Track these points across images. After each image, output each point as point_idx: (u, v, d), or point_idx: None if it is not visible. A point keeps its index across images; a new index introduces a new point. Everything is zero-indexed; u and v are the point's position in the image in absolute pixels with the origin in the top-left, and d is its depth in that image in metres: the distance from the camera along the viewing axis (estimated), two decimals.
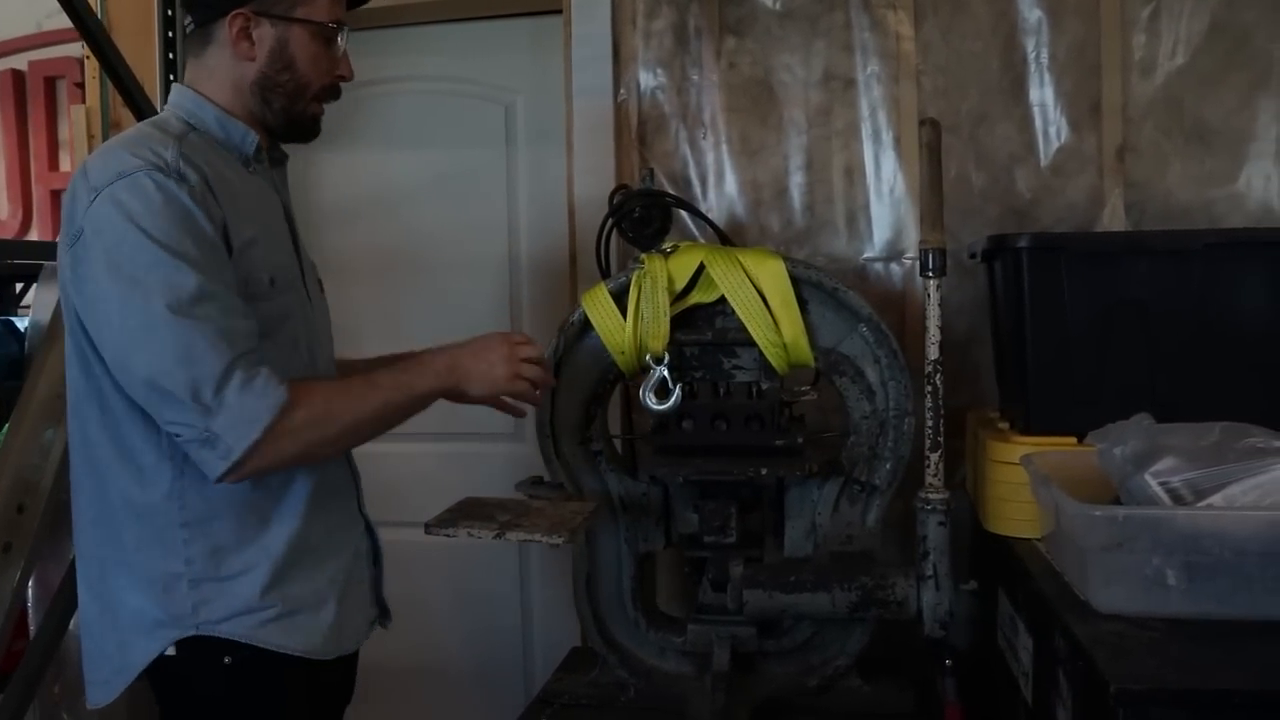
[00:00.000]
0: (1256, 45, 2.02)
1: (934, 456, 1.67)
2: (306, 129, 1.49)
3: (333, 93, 1.50)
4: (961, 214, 2.12)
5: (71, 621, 2.09)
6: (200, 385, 1.24)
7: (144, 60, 2.39)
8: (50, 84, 2.93)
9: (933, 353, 1.65)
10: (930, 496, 1.66)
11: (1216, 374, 1.63)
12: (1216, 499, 1.32)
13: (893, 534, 1.90)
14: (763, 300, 1.77)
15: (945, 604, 1.67)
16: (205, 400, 1.24)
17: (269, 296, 1.38)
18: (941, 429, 1.67)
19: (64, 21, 2.76)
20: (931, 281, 1.65)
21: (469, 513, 1.64)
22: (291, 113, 1.45)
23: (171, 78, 2.39)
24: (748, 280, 1.77)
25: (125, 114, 2.40)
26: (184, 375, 1.23)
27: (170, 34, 2.38)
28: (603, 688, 1.90)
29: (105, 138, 2.54)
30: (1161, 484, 1.37)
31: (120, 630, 1.38)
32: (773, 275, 1.78)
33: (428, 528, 1.59)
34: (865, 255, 2.18)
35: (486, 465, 2.47)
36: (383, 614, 1.62)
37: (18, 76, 2.95)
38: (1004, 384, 1.94)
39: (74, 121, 2.61)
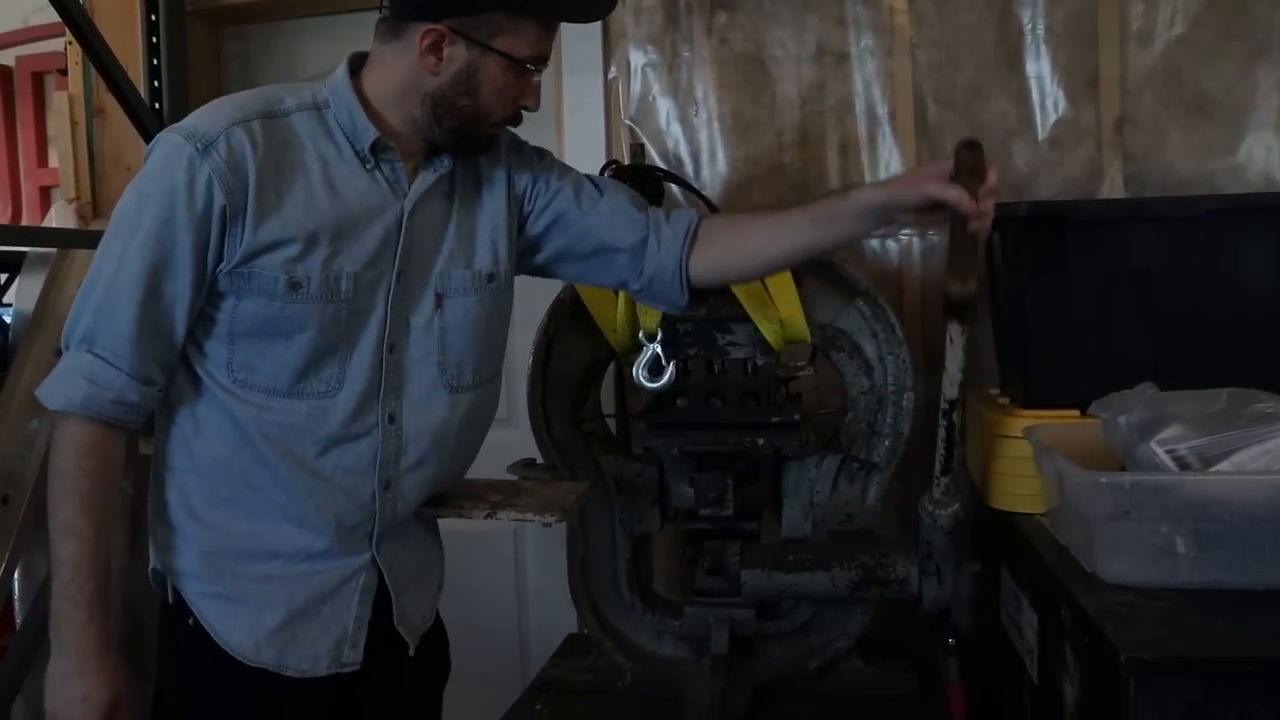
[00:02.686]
0: (1256, 14, 1.98)
1: (945, 480, 1.55)
2: (477, 148, 1.40)
3: (515, 120, 1.40)
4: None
5: None
6: (70, 330, 1.28)
7: (127, 47, 2.35)
8: (38, 79, 2.89)
9: (951, 392, 1.49)
10: (937, 512, 1.57)
11: (1219, 342, 1.60)
12: (1225, 465, 1.29)
13: (891, 515, 1.87)
14: None
15: (947, 589, 1.63)
16: (68, 343, 1.28)
17: (282, 299, 1.27)
18: (955, 458, 1.57)
19: (51, 16, 2.74)
20: (955, 327, 1.42)
21: (459, 493, 1.60)
22: (461, 134, 1.35)
23: (155, 62, 2.35)
24: None
25: (109, 100, 2.36)
26: (74, 307, 1.28)
27: (153, 17, 2.34)
28: (599, 673, 1.87)
29: (89, 125, 2.50)
30: (1168, 452, 1.34)
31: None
32: None
33: (418, 509, 1.55)
34: None
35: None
36: (367, 662, 1.41)
37: (4, 72, 2.91)
38: (1003, 359, 1.90)
39: (57, 109, 2.56)
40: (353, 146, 1.32)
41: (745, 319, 1.75)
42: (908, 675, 1.81)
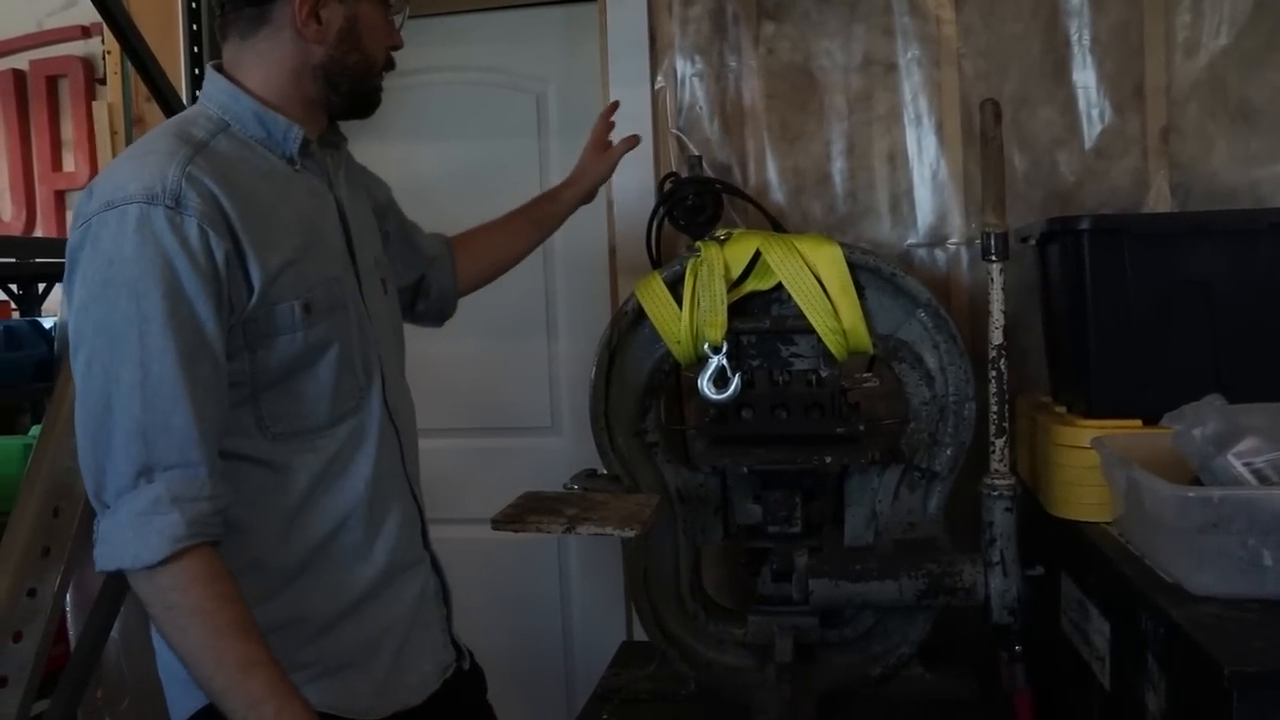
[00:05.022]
0: None
1: (999, 443, 1.66)
2: (371, 104, 1.37)
3: (390, 65, 1.38)
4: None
5: (114, 627, 2.07)
6: (103, 483, 1.10)
7: (168, 52, 2.35)
8: (52, 83, 2.87)
9: (996, 338, 1.65)
10: (997, 483, 1.66)
11: None
12: None
13: (948, 521, 1.89)
14: (820, 286, 1.76)
15: (1013, 590, 1.66)
16: (110, 495, 1.11)
17: (302, 327, 1.21)
18: (1007, 415, 1.66)
19: (65, 19, 2.73)
20: (994, 265, 1.65)
21: (533, 508, 1.62)
22: (357, 93, 1.33)
23: (197, 71, 2.35)
24: (805, 267, 1.76)
25: (149, 108, 2.36)
26: (91, 461, 1.10)
27: (195, 26, 2.34)
28: (661, 681, 1.89)
29: (128, 134, 2.50)
30: (1245, 464, 1.36)
31: (164, 677, 1.26)
32: (830, 261, 1.77)
33: (494, 524, 1.57)
34: (909, 241, 2.16)
35: (521, 459, 2.44)
36: (460, 656, 1.46)
37: (19, 76, 2.90)
38: (1057, 368, 1.93)
39: (96, 118, 2.56)
40: (274, 153, 1.27)
41: (808, 331, 1.77)
42: (968, 681, 1.84)
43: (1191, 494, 1.27)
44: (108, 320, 1.10)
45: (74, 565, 2.13)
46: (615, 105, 1.91)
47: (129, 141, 2.50)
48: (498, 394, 2.49)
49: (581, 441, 2.34)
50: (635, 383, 1.88)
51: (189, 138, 1.20)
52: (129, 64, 2.20)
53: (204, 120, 1.25)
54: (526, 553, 2.46)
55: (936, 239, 2.16)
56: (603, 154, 1.85)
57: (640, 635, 2.28)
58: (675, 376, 1.95)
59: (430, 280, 1.69)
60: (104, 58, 2.53)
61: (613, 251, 2.28)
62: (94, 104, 2.67)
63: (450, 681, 1.42)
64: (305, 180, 1.31)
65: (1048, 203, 2.10)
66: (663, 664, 1.90)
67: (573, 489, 1.83)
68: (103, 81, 2.57)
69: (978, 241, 2.11)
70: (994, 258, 1.64)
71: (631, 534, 1.52)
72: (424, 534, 1.41)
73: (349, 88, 1.32)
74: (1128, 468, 1.43)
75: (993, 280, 1.65)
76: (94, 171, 2.60)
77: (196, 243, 1.12)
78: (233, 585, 1.10)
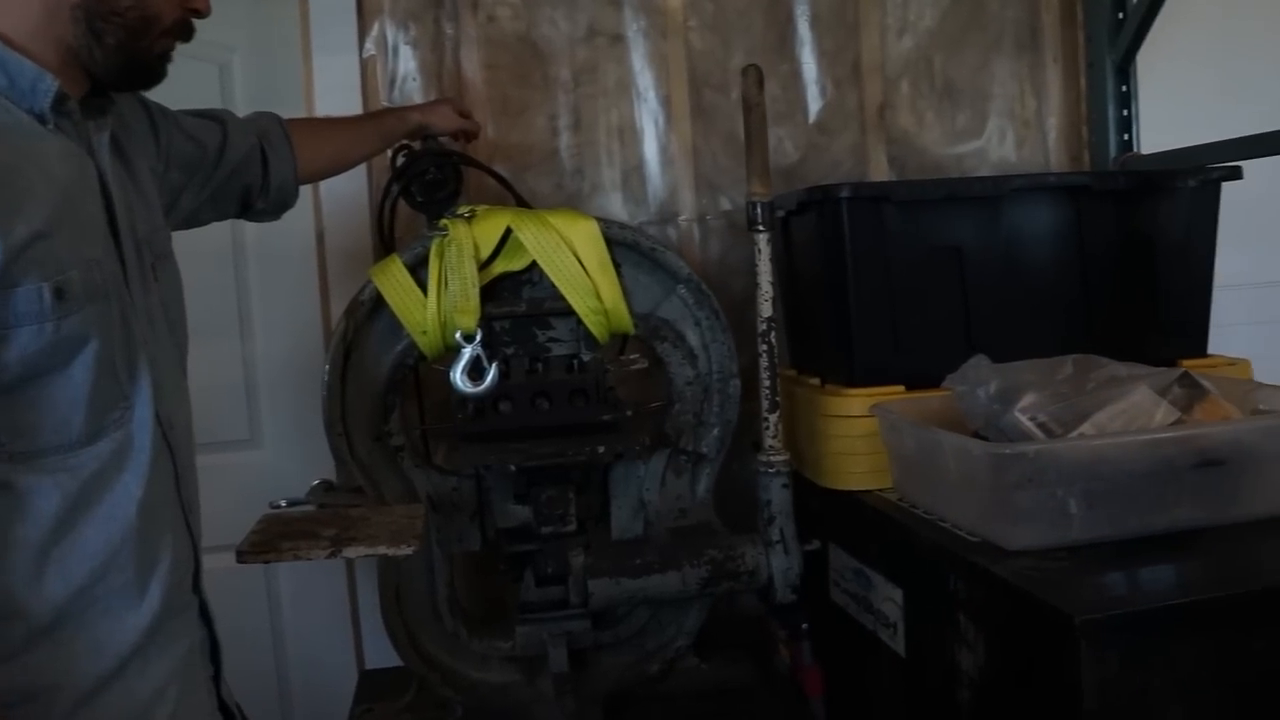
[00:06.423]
0: (991, 10, 2.14)
1: (773, 418, 1.62)
2: (150, 72, 1.10)
3: (185, 31, 1.11)
4: (731, 174, 2.09)
5: None
6: None
7: None
8: None
9: (766, 310, 1.61)
10: (773, 459, 1.61)
11: (1020, 313, 1.69)
12: (1085, 428, 1.35)
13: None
14: (580, 265, 1.64)
15: (795, 568, 1.62)
16: None
17: (52, 316, 0.96)
18: (778, 388, 1.62)
19: None
20: (762, 235, 1.60)
21: (283, 532, 1.38)
22: (129, 53, 1.06)
23: None
24: (563, 244, 1.63)
25: None
26: None
27: None
28: (424, 711, 1.70)
29: None
30: (1031, 419, 1.39)
31: None
32: (587, 237, 1.65)
33: (240, 555, 1.31)
34: (641, 219, 2.09)
35: (216, 479, 2.07)
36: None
37: None
38: (803, 341, 1.92)
39: None
40: (21, 107, 1.01)
41: (566, 313, 1.65)
42: (744, 666, 1.79)
43: (1008, 451, 1.27)
44: None
45: None
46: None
47: None
48: None
49: (286, 455, 2.09)
50: (375, 381, 1.67)
51: None
52: None
53: None
54: (228, 583, 2.11)
55: (668, 215, 2.11)
56: (457, 116, 1.77)
57: (376, 662, 2.07)
58: (415, 373, 1.75)
59: (270, 166, 1.50)
60: None
61: (320, 238, 2.03)
62: None
63: None
64: (59, 142, 1.03)
65: (773, 178, 2.09)
66: (423, 691, 1.70)
67: (308, 506, 1.59)
68: None
69: (709, 218, 2.12)
70: (761, 228, 1.60)
71: (408, 551, 1.32)
72: (196, 574, 1.15)
73: (117, 42, 1.04)
74: (924, 431, 1.42)
75: (760, 251, 1.60)
76: None
77: None
78: None
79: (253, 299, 2.16)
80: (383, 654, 1.95)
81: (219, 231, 1.99)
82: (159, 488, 1.08)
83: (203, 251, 2.06)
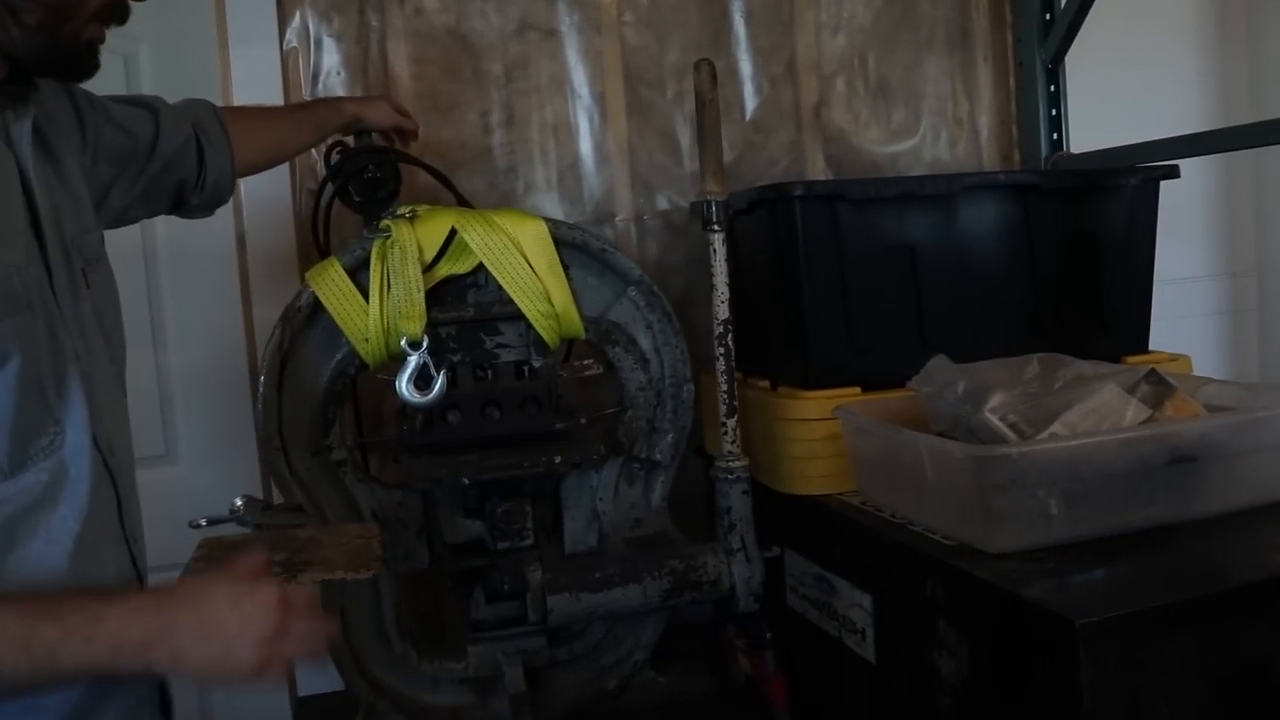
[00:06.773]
0: (923, 9, 2.14)
1: (730, 422, 1.58)
2: (78, 62, 1.01)
3: (118, 13, 1.01)
4: (667, 173, 2.05)
5: None
6: None
7: None
8: None
9: (722, 312, 1.57)
10: (732, 465, 1.57)
11: (974, 311, 1.69)
12: (1056, 427, 1.35)
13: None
14: (529, 267, 1.57)
15: (757, 576, 1.58)
16: None
17: None
18: (736, 393, 1.58)
19: None
20: (717, 235, 1.56)
21: (223, 557, 1.28)
22: (51, 39, 0.96)
23: None
24: (510, 245, 1.57)
25: None
26: None
27: None
28: None
29: None
30: (1001, 419, 1.38)
31: None
32: (535, 238, 1.59)
33: None
34: (576, 219, 2.03)
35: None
36: None
37: None
38: (749, 343, 1.88)
39: None
40: None
41: (514, 317, 1.58)
42: (700, 677, 1.75)
43: (992, 453, 1.25)
44: None
45: None
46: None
47: None
48: None
49: (204, 471, 1.97)
50: (314, 392, 1.57)
51: None
52: None
53: None
54: None
55: (604, 215, 2.05)
56: (396, 113, 1.69)
57: (309, 688, 1.96)
58: (355, 384, 1.66)
59: (206, 158, 1.40)
60: None
61: (241, 240, 1.92)
62: None
63: None
64: None
65: None
66: (370, 717, 1.61)
67: (240, 526, 1.49)
68: None
69: (645, 217, 2.07)
70: (716, 227, 1.55)
71: (368, 575, 1.23)
72: None
73: (37, 23, 0.94)
74: (897, 434, 1.40)
75: (715, 251, 1.56)
76: None
77: None
78: None
79: (166, 305, 2.02)
80: (315, 679, 1.86)
81: (126, 232, 1.85)
82: (99, 521, 0.98)
83: (109, 253, 1.94)
